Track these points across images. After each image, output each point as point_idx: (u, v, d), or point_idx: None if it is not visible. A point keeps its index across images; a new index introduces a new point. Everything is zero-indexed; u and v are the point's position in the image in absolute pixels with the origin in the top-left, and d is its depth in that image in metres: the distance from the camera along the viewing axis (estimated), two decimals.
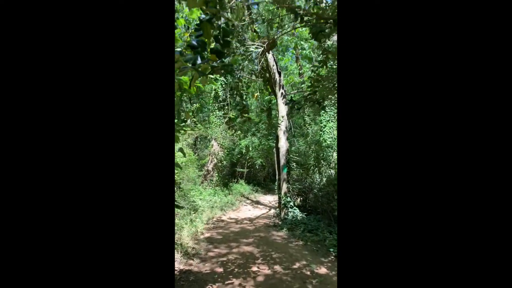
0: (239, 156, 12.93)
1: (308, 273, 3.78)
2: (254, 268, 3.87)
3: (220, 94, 10.70)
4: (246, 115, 8.98)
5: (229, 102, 10.70)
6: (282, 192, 6.87)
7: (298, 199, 7.54)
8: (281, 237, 5.62)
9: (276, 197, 11.98)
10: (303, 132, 15.46)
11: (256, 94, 9.72)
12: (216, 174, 10.35)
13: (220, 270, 3.80)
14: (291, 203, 6.73)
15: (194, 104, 9.36)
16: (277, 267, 3.95)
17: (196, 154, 10.50)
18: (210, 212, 7.60)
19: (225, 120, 10.61)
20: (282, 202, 6.79)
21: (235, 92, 12.67)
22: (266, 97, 8.65)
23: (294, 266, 4.01)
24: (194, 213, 6.65)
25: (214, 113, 10.63)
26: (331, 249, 4.59)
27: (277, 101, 7.35)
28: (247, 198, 11.26)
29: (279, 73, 7.28)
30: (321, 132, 10.33)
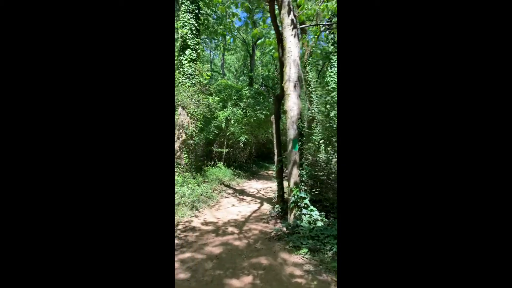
0: (216, 132, 10.06)
1: None
2: None
3: (189, 44, 7.58)
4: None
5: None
6: (292, 182, 4.25)
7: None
8: (302, 270, 3.05)
9: (266, 184, 9.43)
10: None
11: None
12: (185, 155, 7.48)
13: None
14: (306, 201, 4.15)
15: None
16: None
17: None
18: (175, 212, 4.84)
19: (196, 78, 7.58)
20: (293, 199, 4.18)
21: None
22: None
23: None
24: None
25: (182, 70, 7.54)
26: None
27: (282, 34, 4.53)
28: (228, 187, 8.58)
29: None
30: (328, 98, 7.75)
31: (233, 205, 6.38)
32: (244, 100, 9.71)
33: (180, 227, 4.48)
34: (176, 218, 4.75)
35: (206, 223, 4.78)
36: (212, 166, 9.65)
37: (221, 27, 11.37)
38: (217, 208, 6.03)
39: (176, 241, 3.82)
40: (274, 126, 5.55)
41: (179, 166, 7.30)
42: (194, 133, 7.61)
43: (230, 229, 4.50)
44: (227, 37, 15.32)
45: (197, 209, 5.59)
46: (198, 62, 7.64)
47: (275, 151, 5.54)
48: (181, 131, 7.44)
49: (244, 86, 10.52)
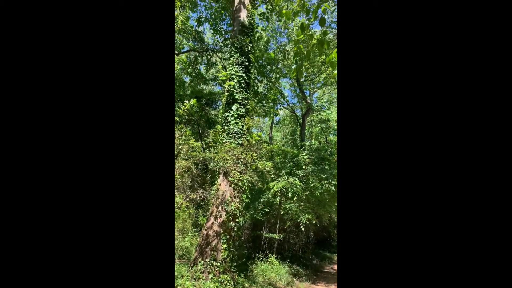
0: (266, 209, 7.60)
1: None
2: None
3: (237, 98, 6.14)
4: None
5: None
6: None
7: None
8: None
9: None
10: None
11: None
12: (225, 245, 5.02)
13: None
14: None
15: (185, 102, 4.72)
16: None
17: (188, 199, 5.39)
18: None
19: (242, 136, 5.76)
20: None
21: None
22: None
23: None
24: None
25: (227, 128, 5.91)
26: None
27: None
28: None
29: None
30: None
31: None
32: (303, 167, 7.46)
33: None
34: None
35: None
36: (260, 260, 6.82)
37: (272, 91, 10.38)
38: None
39: None
40: None
41: (214, 264, 4.78)
42: (238, 211, 5.31)
43: None
44: (277, 108, 14.50)
45: None
46: (246, 118, 5.98)
47: None
48: (220, 208, 5.22)
49: (301, 151, 8.42)
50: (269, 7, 8.91)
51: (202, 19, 9.91)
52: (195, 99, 4.69)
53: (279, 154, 8.47)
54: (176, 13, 8.64)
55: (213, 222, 5.19)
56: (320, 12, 3.16)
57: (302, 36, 3.40)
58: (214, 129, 5.56)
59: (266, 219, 8.34)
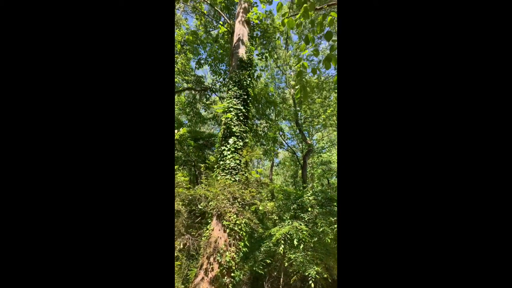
0: (268, 261, 6.49)
1: None
2: None
3: (234, 131, 5.64)
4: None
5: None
6: None
7: None
8: None
9: None
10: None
11: None
12: None
13: None
14: None
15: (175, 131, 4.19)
16: None
17: (180, 248, 4.49)
18: None
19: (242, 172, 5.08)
20: None
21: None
22: None
23: None
24: None
25: (222, 163, 5.26)
26: None
27: None
28: None
29: None
30: None
31: None
32: (309, 209, 6.58)
33: None
34: None
35: None
36: None
37: (272, 129, 10.02)
38: None
39: None
40: None
41: None
42: (233, 263, 4.35)
43: None
44: (277, 148, 14.08)
45: None
46: (244, 151, 5.38)
47: None
48: (211, 259, 4.28)
49: (305, 192, 7.60)
50: (267, 53, 9.06)
51: (202, 61, 10.02)
52: (184, 128, 4.15)
53: (281, 194, 7.65)
54: (175, 56, 8.69)
55: (203, 278, 4.19)
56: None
57: (307, 50, 3.02)
58: (208, 160, 4.91)
59: (268, 272, 7.13)
